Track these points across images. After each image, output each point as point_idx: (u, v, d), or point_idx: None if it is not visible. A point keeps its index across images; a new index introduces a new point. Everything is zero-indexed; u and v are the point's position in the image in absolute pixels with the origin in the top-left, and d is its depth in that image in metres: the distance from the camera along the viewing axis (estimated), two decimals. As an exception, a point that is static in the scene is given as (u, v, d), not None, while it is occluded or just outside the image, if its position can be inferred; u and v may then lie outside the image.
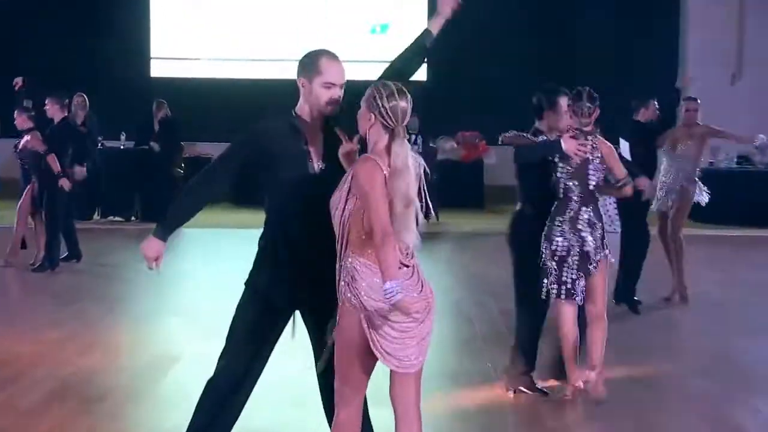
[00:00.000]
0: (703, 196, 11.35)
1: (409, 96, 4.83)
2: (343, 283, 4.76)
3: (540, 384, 7.69)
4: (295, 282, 5.08)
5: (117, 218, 18.33)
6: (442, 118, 20.29)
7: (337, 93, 5.09)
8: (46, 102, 13.29)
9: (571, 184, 7.34)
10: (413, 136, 19.30)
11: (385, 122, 4.76)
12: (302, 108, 5.14)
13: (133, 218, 18.28)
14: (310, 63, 5.12)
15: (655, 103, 11.20)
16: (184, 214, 5.23)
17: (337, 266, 4.80)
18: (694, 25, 21.62)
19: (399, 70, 5.46)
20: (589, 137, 7.37)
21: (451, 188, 19.89)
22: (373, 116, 4.78)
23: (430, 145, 19.54)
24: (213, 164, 5.28)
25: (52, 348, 8.91)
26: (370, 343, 4.71)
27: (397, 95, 4.78)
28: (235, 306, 5.27)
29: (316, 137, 5.12)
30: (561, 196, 7.36)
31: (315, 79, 5.08)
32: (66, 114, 13.52)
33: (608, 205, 11.50)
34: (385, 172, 4.70)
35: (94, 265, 13.53)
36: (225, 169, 5.18)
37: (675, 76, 21.70)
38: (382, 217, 4.63)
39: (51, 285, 11.97)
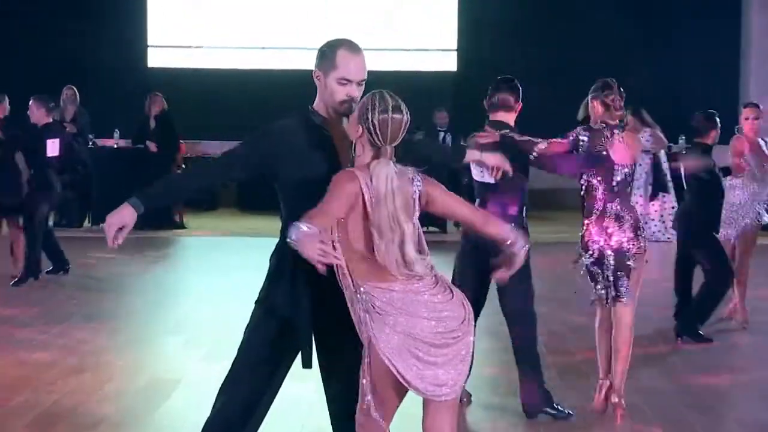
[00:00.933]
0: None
1: (405, 115, 4.82)
2: (361, 314, 4.81)
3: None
4: (316, 300, 5.01)
5: (110, 225, 18.33)
6: (475, 113, 20.22)
7: (354, 90, 5.03)
8: (30, 103, 13.23)
9: (594, 181, 7.42)
10: (441, 134, 19.33)
11: (371, 138, 4.77)
12: (318, 104, 5.11)
13: (127, 225, 18.28)
14: (328, 54, 5.06)
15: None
16: (168, 191, 5.16)
17: (349, 296, 4.84)
18: (758, 14, 21.57)
19: (427, 157, 5.49)
20: (616, 130, 7.48)
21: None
22: (361, 128, 4.78)
23: (461, 144, 19.52)
24: (218, 157, 5.25)
25: (37, 371, 8.91)
26: (395, 372, 4.74)
27: (390, 111, 4.77)
28: (245, 325, 5.23)
29: (341, 134, 5.05)
30: (584, 194, 7.47)
31: (331, 74, 5.03)
32: (50, 121, 13.46)
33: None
34: (363, 188, 4.74)
35: (84, 278, 13.54)
36: (226, 164, 5.13)
37: (736, 67, 21.67)
38: (321, 210, 4.68)
39: (36, 301, 11.96)
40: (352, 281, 4.79)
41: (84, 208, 18.44)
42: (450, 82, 21.59)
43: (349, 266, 4.78)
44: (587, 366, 9.36)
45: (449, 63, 22.14)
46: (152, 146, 18.19)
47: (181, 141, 18.76)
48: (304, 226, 4.54)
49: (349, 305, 4.84)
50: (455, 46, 22.30)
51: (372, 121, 4.74)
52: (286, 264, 5.02)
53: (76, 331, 10.52)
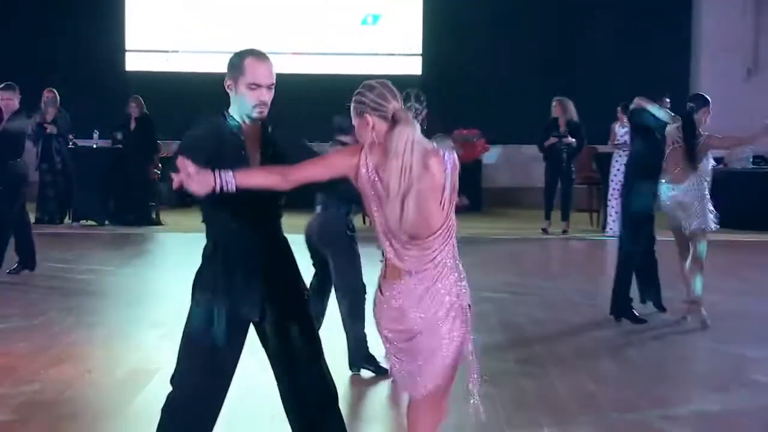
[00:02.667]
0: None
1: (399, 98, 4.87)
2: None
3: None
4: (236, 292, 5.10)
5: (90, 222, 18.31)
6: (438, 116, 20.26)
7: (265, 95, 5.07)
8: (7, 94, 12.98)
9: None
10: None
11: (381, 111, 4.76)
12: (233, 110, 5.14)
13: (106, 222, 18.26)
14: (236, 63, 5.13)
15: (667, 100, 11.07)
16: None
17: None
18: (708, 17, 21.67)
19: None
20: None
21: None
22: (367, 116, 4.77)
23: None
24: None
25: (18, 362, 8.87)
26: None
27: (377, 87, 4.83)
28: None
29: (255, 142, 5.11)
30: None
31: (240, 80, 5.08)
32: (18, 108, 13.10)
33: None
34: (361, 163, 4.74)
35: (65, 272, 13.49)
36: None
37: (688, 73, 21.76)
38: (308, 172, 4.77)
39: (17, 294, 11.91)
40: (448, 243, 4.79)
41: (65, 205, 18.40)
42: (415, 85, 21.54)
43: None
44: (544, 356, 9.41)
45: (415, 67, 22.17)
46: (118, 135, 18.32)
47: (158, 141, 18.72)
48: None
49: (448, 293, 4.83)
50: (420, 51, 22.33)
51: (371, 99, 4.78)
52: (208, 259, 5.21)
53: (56, 324, 10.48)
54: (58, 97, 18.17)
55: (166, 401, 5.26)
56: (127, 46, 22.45)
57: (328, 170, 4.78)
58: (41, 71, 19.25)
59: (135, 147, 18.23)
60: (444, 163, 4.70)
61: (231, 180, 4.61)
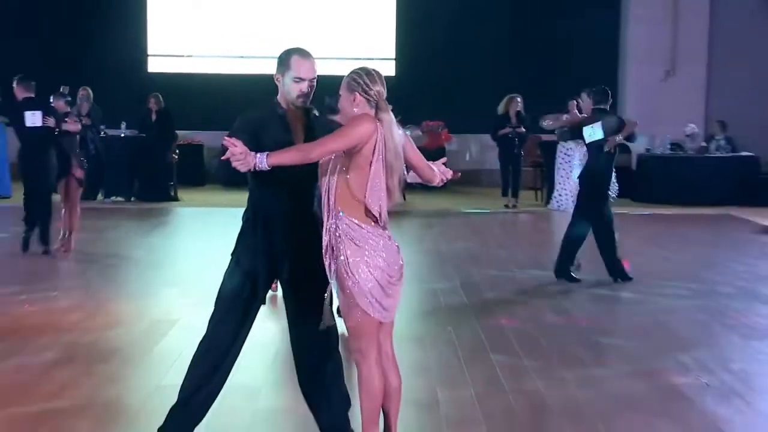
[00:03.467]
0: None
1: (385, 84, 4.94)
2: (337, 236, 4.83)
3: None
4: (273, 254, 5.10)
5: (118, 198, 18.29)
6: (409, 109, 20.23)
7: (306, 87, 5.09)
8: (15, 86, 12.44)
9: None
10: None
11: (368, 97, 4.83)
12: (280, 100, 5.15)
13: (132, 198, 18.26)
14: (284, 59, 5.13)
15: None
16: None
17: (326, 229, 4.86)
18: (633, 26, 21.69)
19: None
20: None
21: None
22: (356, 95, 4.83)
23: (398, 133, 19.56)
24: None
25: (60, 316, 8.87)
26: (365, 300, 4.80)
27: (378, 81, 4.90)
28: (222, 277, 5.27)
29: (297, 126, 5.11)
30: None
31: (287, 74, 5.10)
32: (28, 96, 12.30)
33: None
34: (379, 131, 4.80)
35: (98, 240, 13.47)
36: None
37: (616, 74, 21.79)
38: (328, 146, 4.75)
39: (58, 261, 11.88)
40: (335, 207, 4.82)
41: (97, 184, 18.35)
42: (389, 85, 21.48)
43: (339, 200, 4.82)
44: (496, 306, 9.45)
45: (389, 69, 22.11)
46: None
47: (176, 131, 18.73)
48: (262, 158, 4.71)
49: (324, 229, 4.87)
50: (393, 56, 22.28)
51: (364, 83, 4.85)
52: (249, 226, 5.14)
53: (90, 284, 10.48)
54: (92, 94, 18.14)
55: (200, 344, 5.25)
56: (149, 51, 22.36)
57: (346, 141, 4.76)
58: (76, 73, 19.11)
59: (156, 136, 18.25)
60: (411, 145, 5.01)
61: (264, 160, 4.68)
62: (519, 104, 17.80)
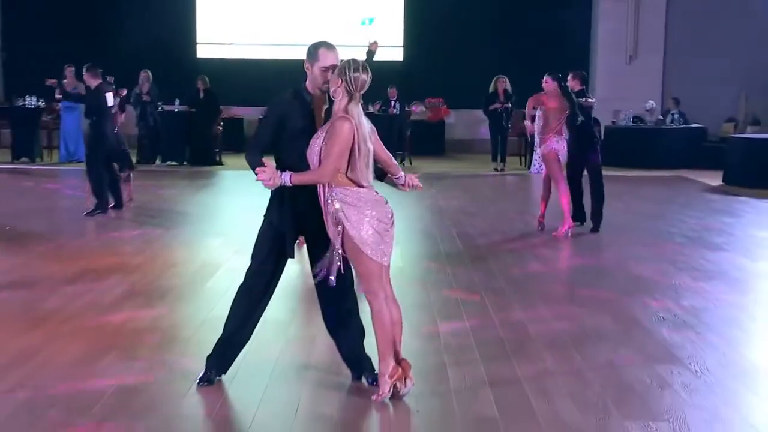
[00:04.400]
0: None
1: (370, 73, 4.86)
2: (336, 207, 4.82)
3: None
4: (298, 216, 5.08)
5: (172, 162, 18.27)
6: (415, 89, 20.26)
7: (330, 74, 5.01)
8: (84, 74, 12.02)
9: None
10: (392, 102, 19.27)
11: (348, 87, 4.78)
12: (308, 85, 5.09)
13: (184, 163, 18.23)
14: (312, 51, 5.06)
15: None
16: (254, 161, 5.00)
17: (324, 204, 4.87)
18: (602, 17, 21.57)
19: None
20: None
21: (421, 140, 20.05)
22: (340, 80, 4.79)
23: (406, 108, 19.53)
24: (258, 128, 5.24)
25: (125, 260, 8.90)
26: (368, 248, 4.82)
27: (361, 70, 4.81)
28: (257, 231, 5.26)
29: (320, 108, 5.06)
30: None
31: (315, 64, 5.03)
32: (101, 81, 11.94)
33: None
34: (355, 125, 4.79)
35: (156, 198, 13.48)
36: (265, 129, 5.11)
37: (588, 58, 21.65)
38: (335, 161, 4.74)
39: (124, 215, 11.87)
40: (329, 186, 4.83)
41: (155, 151, 18.37)
42: (398, 68, 21.44)
43: (330, 182, 4.82)
44: (487, 254, 9.43)
45: (397, 54, 21.99)
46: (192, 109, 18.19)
47: (220, 107, 18.70)
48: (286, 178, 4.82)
49: (323, 206, 4.87)
50: (401, 44, 22.15)
51: (349, 75, 4.78)
52: (277, 190, 5.07)
53: (150, 234, 10.49)
54: (151, 76, 18.14)
55: (239, 289, 5.28)
56: (198, 40, 22.24)
57: (345, 150, 4.77)
58: (138, 58, 19.05)
59: (203, 111, 18.17)
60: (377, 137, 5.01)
61: (288, 180, 4.80)
62: (506, 83, 17.83)
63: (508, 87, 17.82)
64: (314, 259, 5.18)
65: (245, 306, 5.26)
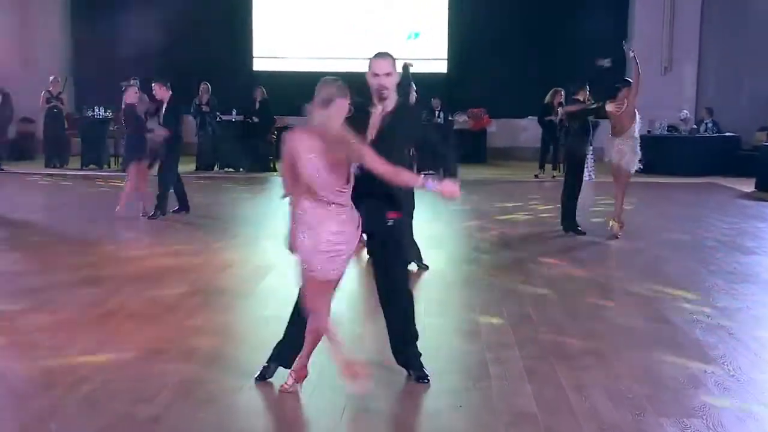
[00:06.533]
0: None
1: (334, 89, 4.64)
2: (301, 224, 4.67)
3: None
4: (363, 214, 4.91)
5: (230, 169, 18.39)
6: (458, 100, 20.17)
7: (382, 80, 5.02)
8: (153, 86, 11.92)
9: None
10: (437, 112, 19.24)
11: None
12: (372, 92, 5.11)
13: (241, 169, 18.34)
14: (369, 62, 5.12)
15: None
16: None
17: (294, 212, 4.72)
18: (638, 30, 21.35)
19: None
20: None
21: (463, 148, 19.93)
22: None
23: (449, 118, 19.48)
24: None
25: (184, 261, 8.96)
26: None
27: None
28: None
29: (377, 121, 5.04)
30: None
31: (369, 72, 5.07)
32: (171, 92, 11.87)
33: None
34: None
35: (214, 203, 13.58)
36: None
37: (623, 69, 21.44)
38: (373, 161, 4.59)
39: (185, 218, 11.96)
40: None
41: (214, 158, 18.51)
42: (442, 80, 21.39)
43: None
44: (527, 256, 9.36)
45: (441, 67, 21.96)
46: (254, 119, 18.16)
47: (275, 117, 18.79)
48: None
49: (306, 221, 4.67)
50: (445, 56, 22.11)
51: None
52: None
53: (209, 236, 10.55)
54: (210, 87, 18.27)
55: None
56: (254, 54, 22.40)
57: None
58: (199, 71, 19.22)
59: (259, 120, 18.27)
60: None
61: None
62: (561, 96, 17.60)
63: (563, 99, 17.65)
64: (377, 260, 5.19)
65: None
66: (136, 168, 11.71)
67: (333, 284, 4.78)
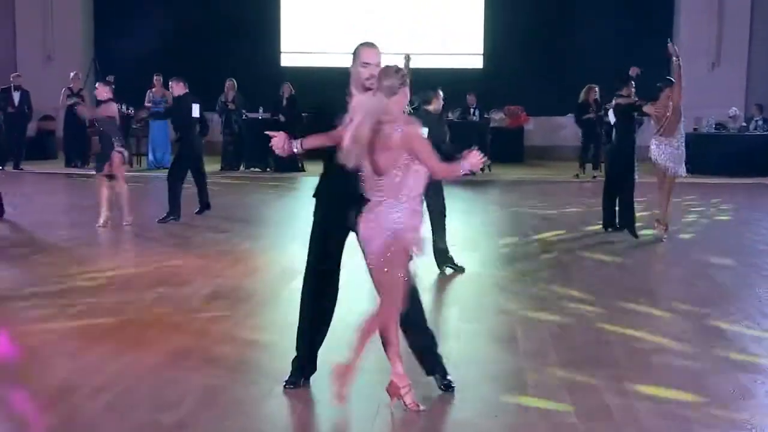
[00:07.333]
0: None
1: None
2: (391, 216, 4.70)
3: None
4: (342, 211, 5.01)
5: (256, 169, 18.46)
6: (494, 96, 20.12)
7: (373, 70, 5.04)
8: (170, 83, 12.20)
9: None
10: (472, 110, 19.20)
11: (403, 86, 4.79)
12: (352, 84, 5.15)
13: (267, 169, 18.40)
14: (354, 51, 5.18)
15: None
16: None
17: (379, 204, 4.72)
18: (684, 25, 21.20)
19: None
20: None
21: (500, 147, 19.86)
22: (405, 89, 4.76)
23: (485, 116, 19.43)
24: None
25: (209, 264, 9.00)
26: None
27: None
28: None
29: (360, 108, 4.99)
30: None
31: (356, 61, 5.11)
32: (187, 90, 11.98)
33: None
34: None
35: (240, 204, 13.64)
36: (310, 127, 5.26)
37: (668, 66, 21.25)
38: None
39: (208, 220, 12.00)
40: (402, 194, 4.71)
41: (239, 157, 18.60)
42: (478, 75, 21.36)
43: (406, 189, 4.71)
44: (563, 256, 9.32)
45: (477, 62, 21.93)
46: (282, 117, 18.19)
47: (303, 114, 18.85)
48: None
49: (398, 216, 4.71)
50: (481, 51, 22.07)
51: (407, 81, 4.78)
52: (323, 187, 5.27)
53: (234, 238, 10.60)
54: (236, 84, 18.36)
55: (304, 270, 5.34)
56: (282, 50, 22.48)
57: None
58: (225, 68, 19.33)
59: (286, 118, 18.31)
60: None
61: (299, 146, 5.03)
62: (596, 93, 17.50)
63: (598, 96, 17.54)
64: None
65: (309, 304, 5.39)
66: (108, 169, 11.29)
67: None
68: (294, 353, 5.33)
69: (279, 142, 4.92)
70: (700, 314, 7.15)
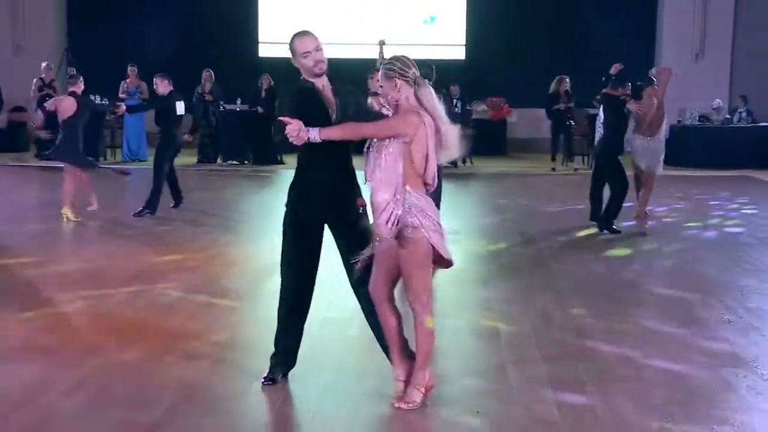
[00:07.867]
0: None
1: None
2: (401, 212, 4.73)
3: None
4: (317, 204, 5.08)
5: (233, 162, 18.41)
6: (476, 88, 20.15)
7: (318, 55, 5.07)
8: (154, 80, 12.07)
9: None
10: (454, 101, 19.25)
11: (406, 78, 4.77)
12: (305, 75, 5.16)
13: (245, 162, 18.35)
14: (290, 47, 5.17)
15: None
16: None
17: (394, 202, 4.74)
18: (668, 16, 21.31)
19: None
20: None
21: (482, 139, 19.82)
22: (395, 80, 4.76)
23: (467, 107, 19.48)
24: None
25: (186, 259, 9.00)
26: (442, 248, 4.79)
27: (406, 60, 4.82)
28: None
29: (330, 95, 5.08)
30: None
31: (297, 55, 5.11)
32: (172, 88, 11.92)
33: None
34: (425, 122, 4.73)
35: (217, 197, 13.61)
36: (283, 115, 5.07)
37: (653, 56, 21.37)
38: (370, 133, 4.78)
39: (185, 214, 11.94)
40: (403, 184, 4.73)
41: (216, 150, 18.52)
42: (460, 66, 21.39)
43: (406, 178, 4.74)
44: (546, 252, 9.37)
45: (459, 53, 21.96)
46: (260, 109, 18.16)
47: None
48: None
49: (388, 205, 4.75)
50: (464, 42, 22.09)
51: (403, 70, 4.76)
52: (295, 180, 5.22)
53: (212, 231, 10.59)
54: (213, 75, 18.29)
55: (280, 262, 5.36)
56: (260, 39, 22.40)
57: (390, 133, 4.74)
58: (201, 58, 19.28)
59: (264, 110, 18.26)
60: None
61: (317, 135, 4.73)
62: (567, 84, 17.71)
63: (569, 87, 17.73)
64: (343, 250, 5.17)
65: (282, 318, 5.39)
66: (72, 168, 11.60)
67: None
68: (272, 349, 5.35)
69: (294, 129, 4.71)
70: (683, 308, 7.22)
